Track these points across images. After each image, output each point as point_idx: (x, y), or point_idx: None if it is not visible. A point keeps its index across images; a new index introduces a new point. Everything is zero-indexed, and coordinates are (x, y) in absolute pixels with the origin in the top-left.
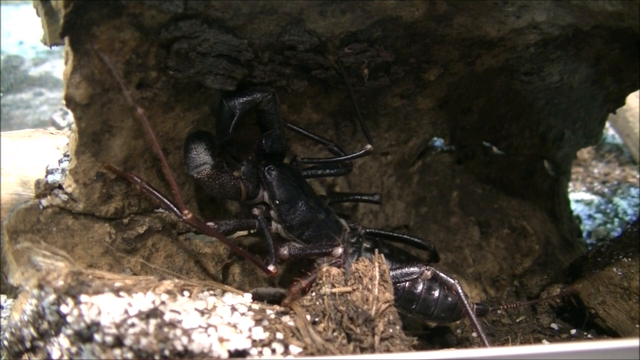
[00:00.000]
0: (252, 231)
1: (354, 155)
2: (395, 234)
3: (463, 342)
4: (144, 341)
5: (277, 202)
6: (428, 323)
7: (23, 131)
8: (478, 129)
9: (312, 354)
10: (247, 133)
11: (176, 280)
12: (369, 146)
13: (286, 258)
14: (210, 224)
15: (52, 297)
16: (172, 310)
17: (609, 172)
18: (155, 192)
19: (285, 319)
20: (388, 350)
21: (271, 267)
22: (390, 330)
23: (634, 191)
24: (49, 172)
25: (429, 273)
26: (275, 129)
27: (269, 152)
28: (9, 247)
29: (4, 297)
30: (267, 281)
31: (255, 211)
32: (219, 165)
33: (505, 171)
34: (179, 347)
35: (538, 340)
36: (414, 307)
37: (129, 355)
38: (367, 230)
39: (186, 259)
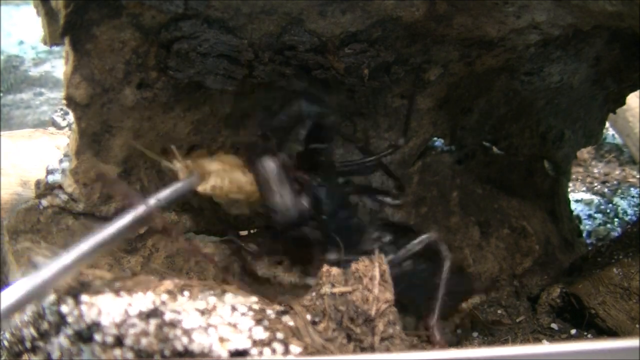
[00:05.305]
0: (252, 231)
1: (382, 154)
2: None
3: (463, 342)
4: (144, 341)
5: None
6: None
7: (23, 131)
8: (478, 129)
9: (312, 354)
10: None
11: (176, 280)
12: (401, 140)
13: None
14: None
15: (52, 297)
16: (173, 310)
17: (609, 172)
18: None
19: (286, 318)
20: (388, 350)
21: None
22: (390, 330)
23: (634, 191)
24: (49, 172)
25: (434, 235)
26: (331, 145)
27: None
28: (9, 247)
29: None
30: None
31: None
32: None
33: (505, 171)
34: (179, 347)
35: (538, 340)
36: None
37: (130, 355)
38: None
39: (186, 259)
